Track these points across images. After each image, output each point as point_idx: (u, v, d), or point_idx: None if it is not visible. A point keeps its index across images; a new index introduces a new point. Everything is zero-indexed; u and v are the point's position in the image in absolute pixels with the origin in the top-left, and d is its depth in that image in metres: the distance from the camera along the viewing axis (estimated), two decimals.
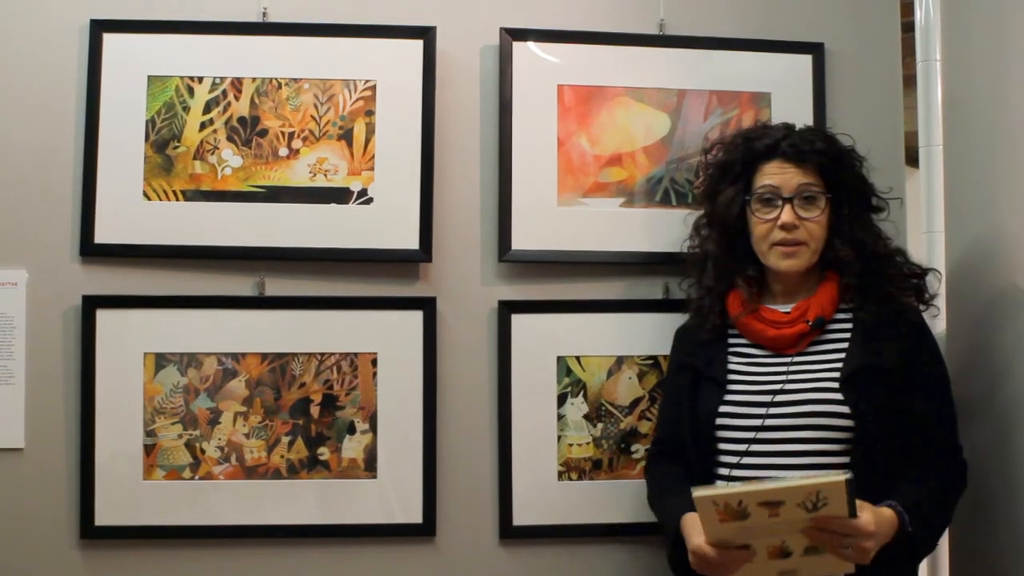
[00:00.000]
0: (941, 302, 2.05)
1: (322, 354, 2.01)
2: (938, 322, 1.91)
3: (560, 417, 2.04)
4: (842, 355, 1.73)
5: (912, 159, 2.22)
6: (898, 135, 2.16)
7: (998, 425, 1.91)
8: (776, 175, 1.76)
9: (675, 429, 1.83)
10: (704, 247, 1.84)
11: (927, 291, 1.80)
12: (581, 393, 2.05)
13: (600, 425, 2.05)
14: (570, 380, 2.05)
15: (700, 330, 1.81)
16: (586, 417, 2.05)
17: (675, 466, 1.81)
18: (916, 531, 1.58)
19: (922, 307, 1.79)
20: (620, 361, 2.07)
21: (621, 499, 2.04)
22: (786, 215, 1.72)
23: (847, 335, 1.77)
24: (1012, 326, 1.88)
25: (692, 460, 1.76)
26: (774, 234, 1.74)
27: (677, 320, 1.99)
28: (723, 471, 1.73)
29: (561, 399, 2.04)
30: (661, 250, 2.04)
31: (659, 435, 1.93)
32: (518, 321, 2.04)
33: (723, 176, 1.82)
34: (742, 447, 1.71)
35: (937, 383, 1.74)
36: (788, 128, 1.81)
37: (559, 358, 2.05)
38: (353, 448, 2.00)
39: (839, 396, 1.69)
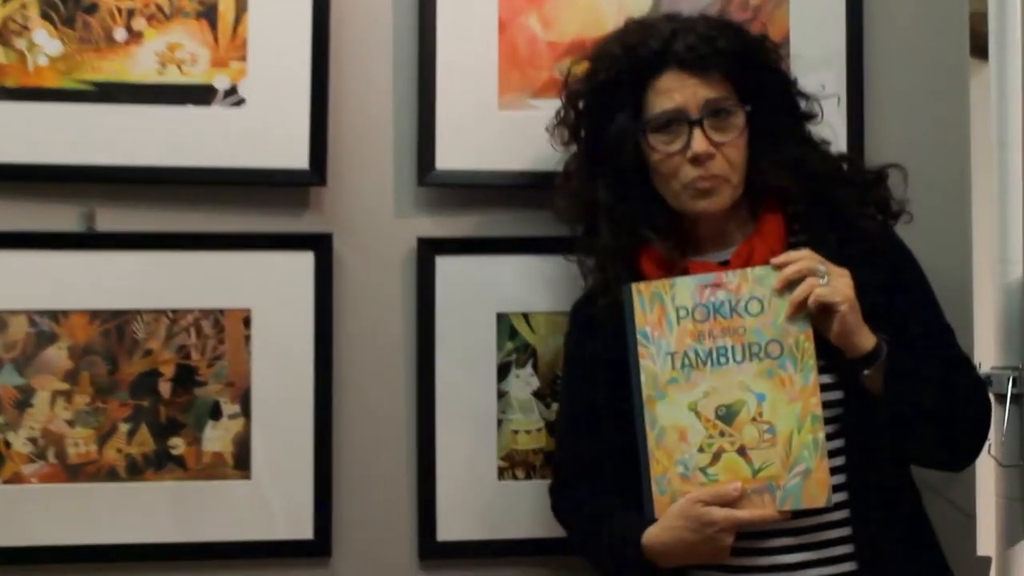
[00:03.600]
0: (1001, 225, 2.04)
1: (174, 311, 1.89)
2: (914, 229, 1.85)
3: (502, 395, 1.95)
4: None
5: (979, 49, 2.15)
6: (961, 17, 2.06)
7: None
8: (675, 91, 1.66)
9: (593, 446, 1.76)
10: (587, 196, 1.75)
11: (892, 199, 1.76)
12: (530, 362, 1.96)
13: (556, 405, 1.94)
14: (515, 345, 1.95)
15: (612, 309, 1.70)
16: (537, 395, 1.96)
17: (600, 488, 1.76)
18: (892, 355, 1.57)
19: (891, 221, 1.76)
20: None
21: None
22: (697, 143, 1.64)
23: None
24: None
25: (625, 486, 1.67)
26: (684, 171, 1.66)
27: None
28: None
29: (503, 370, 1.96)
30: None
31: (566, 455, 1.82)
32: (445, 266, 1.94)
33: (603, 102, 1.72)
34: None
35: (923, 303, 1.73)
36: (674, 21, 1.72)
37: (500, 316, 1.96)
38: (218, 438, 1.90)
39: (820, 362, 1.63)
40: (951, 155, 1.99)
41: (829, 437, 1.59)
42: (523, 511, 1.94)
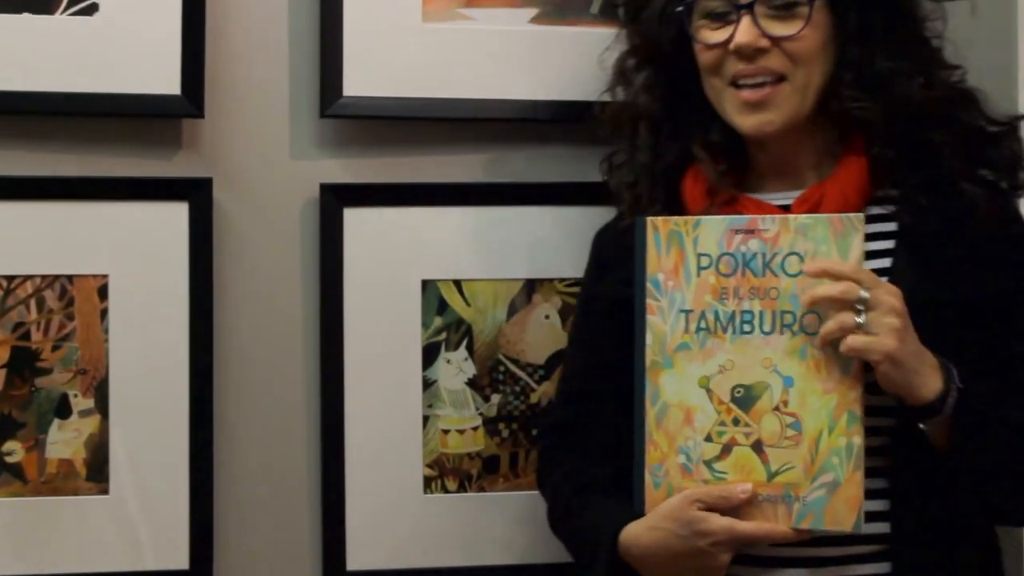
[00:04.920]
0: None
1: (9, 278, 1.73)
2: None
3: (428, 384, 1.82)
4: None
5: None
6: None
7: None
8: None
9: (596, 407, 1.63)
10: (633, 101, 1.65)
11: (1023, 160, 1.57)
12: (463, 343, 1.84)
13: (496, 397, 1.83)
14: (445, 321, 1.83)
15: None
16: (472, 384, 1.84)
17: (593, 461, 1.63)
18: (963, 409, 1.39)
19: (1017, 192, 1.56)
20: (530, 288, 1.85)
21: (532, 522, 1.79)
22: (743, 33, 1.48)
23: (888, 244, 1.53)
24: None
25: (627, 453, 1.52)
26: (727, 65, 1.51)
27: None
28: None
29: (430, 353, 1.82)
30: (600, 99, 1.75)
31: (562, 415, 1.70)
32: (355, 219, 1.79)
33: None
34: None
35: None
36: None
37: (426, 283, 1.82)
38: (67, 442, 1.75)
39: (868, 376, 1.46)
40: (996, 88, 1.68)
41: (870, 453, 1.40)
42: (455, 532, 1.80)
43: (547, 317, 1.83)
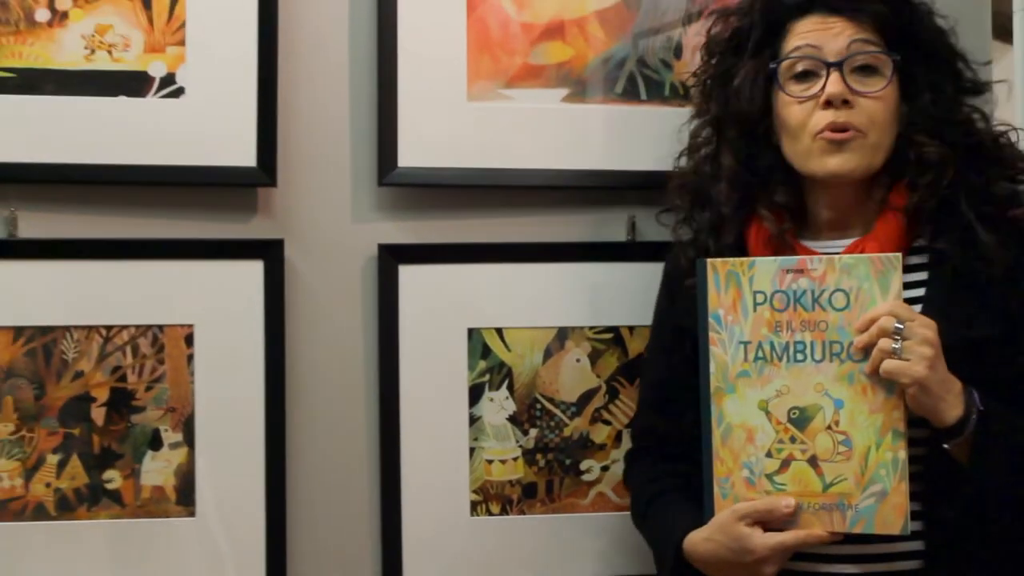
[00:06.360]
0: None
1: (108, 328, 1.80)
2: None
3: (474, 420, 1.88)
4: None
5: (1004, 31, 2.09)
6: None
7: None
8: (816, 32, 1.58)
9: (668, 421, 1.69)
10: (711, 162, 1.70)
11: None
12: (504, 384, 1.89)
13: (534, 431, 1.88)
14: (488, 364, 1.89)
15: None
16: (513, 419, 1.89)
17: (669, 466, 1.70)
18: (981, 432, 1.44)
19: None
20: (563, 335, 1.90)
21: (568, 543, 1.87)
22: (833, 84, 1.56)
23: (923, 276, 1.57)
24: None
25: (696, 461, 1.60)
26: (816, 117, 1.57)
27: (646, 274, 1.82)
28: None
29: (475, 393, 1.88)
30: (626, 168, 1.86)
31: (643, 423, 1.79)
32: (409, 275, 1.86)
33: (735, 50, 1.67)
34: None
35: None
36: None
37: (471, 331, 1.88)
38: (159, 470, 1.81)
39: None
40: None
41: (909, 461, 1.47)
42: (499, 552, 1.86)
43: (578, 360, 1.88)
